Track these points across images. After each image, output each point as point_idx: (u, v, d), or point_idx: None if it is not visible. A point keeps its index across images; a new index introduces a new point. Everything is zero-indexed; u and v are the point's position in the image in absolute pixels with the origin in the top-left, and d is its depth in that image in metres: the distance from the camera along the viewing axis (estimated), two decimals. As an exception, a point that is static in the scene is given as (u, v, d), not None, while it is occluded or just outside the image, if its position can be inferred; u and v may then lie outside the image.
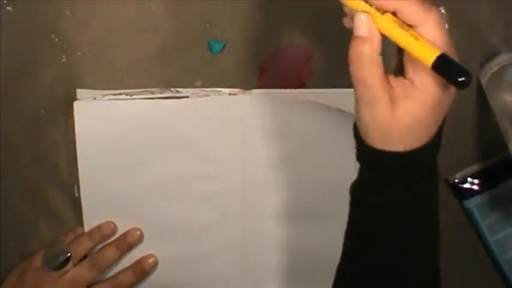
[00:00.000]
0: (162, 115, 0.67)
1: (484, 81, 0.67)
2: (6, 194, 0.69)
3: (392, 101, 0.48)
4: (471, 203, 0.71)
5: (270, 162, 0.69)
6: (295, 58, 0.67)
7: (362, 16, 0.48)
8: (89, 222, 0.69)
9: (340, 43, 0.66)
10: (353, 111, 0.68)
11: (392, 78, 0.49)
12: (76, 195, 0.69)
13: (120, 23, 0.65)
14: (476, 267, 0.74)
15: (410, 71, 0.48)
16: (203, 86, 0.67)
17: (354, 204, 0.54)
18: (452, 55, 0.47)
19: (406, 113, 0.48)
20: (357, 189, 0.54)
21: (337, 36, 0.66)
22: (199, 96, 0.67)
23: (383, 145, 0.49)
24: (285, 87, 0.68)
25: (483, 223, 0.71)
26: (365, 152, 0.51)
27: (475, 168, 0.70)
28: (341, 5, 0.66)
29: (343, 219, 0.72)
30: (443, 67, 0.46)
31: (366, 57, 0.48)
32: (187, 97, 0.67)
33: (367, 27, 0.48)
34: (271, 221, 0.71)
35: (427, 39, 0.46)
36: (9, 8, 0.64)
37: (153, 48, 0.66)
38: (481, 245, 0.73)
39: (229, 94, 0.67)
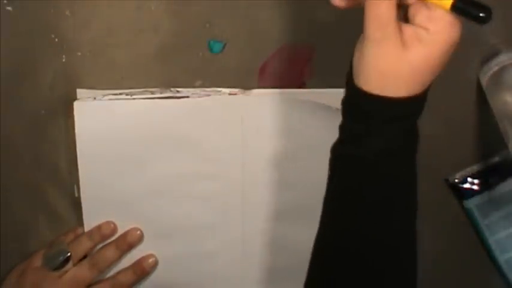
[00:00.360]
0: (162, 115, 0.67)
1: (484, 81, 0.67)
2: (6, 194, 0.69)
3: (404, 43, 0.48)
4: (471, 203, 0.71)
5: (269, 162, 0.69)
6: (295, 58, 0.67)
7: None
8: (89, 222, 0.69)
9: (340, 43, 0.67)
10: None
11: (403, 24, 0.49)
12: (76, 195, 0.69)
13: (120, 23, 0.65)
14: (476, 267, 0.74)
15: (423, 17, 0.48)
16: (203, 86, 0.67)
17: (338, 161, 0.54)
18: None
19: (416, 56, 0.48)
20: (343, 145, 0.53)
21: (337, 36, 0.66)
22: (199, 96, 0.67)
23: (381, 90, 0.49)
24: (285, 87, 0.68)
25: (483, 223, 0.71)
26: (357, 98, 0.50)
27: (475, 168, 0.70)
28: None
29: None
30: (463, 6, 0.47)
31: None
32: (187, 97, 0.67)
33: None
34: (271, 220, 0.71)
35: None
36: (9, 8, 0.64)
37: (153, 48, 0.66)
38: (481, 245, 0.73)
39: (229, 94, 0.67)
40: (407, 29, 0.48)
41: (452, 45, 0.49)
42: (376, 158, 0.51)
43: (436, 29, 0.48)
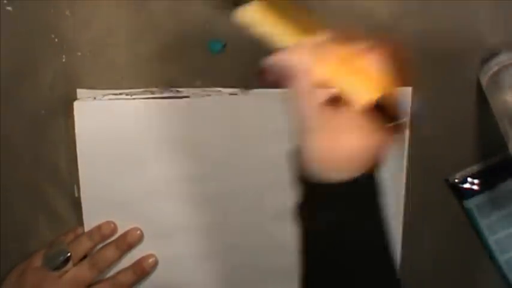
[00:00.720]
0: (162, 115, 0.67)
1: (484, 81, 0.66)
2: (6, 194, 0.69)
3: (335, 130, 0.50)
4: (471, 203, 0.71)
5: (270, 162, 0.69)
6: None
7: (299, 50, 0.51)
8: (89, 222, 0.69)
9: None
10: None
11: (332, 109, 0.51)
12: (76, 195, 0.69)
13: (120, 23, 0.65)
14: (476, 267, 0.74)
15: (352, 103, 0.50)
16: (203, 86, 0.67)
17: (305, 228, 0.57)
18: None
19: (347, 141, 0.50)
20: (302, 217, 0.56)
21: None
22: (199, 96, 0.67)
23: (326, 173, 0.51)
24: (285, 87, 0.68)
25: (483, 223, 0.71)
26: (306, 182, 0.53)
27: (475, 168, 0.70)
28: (337, 5, 0.66)
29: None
30: (383, 106, 0.49)
31: (306, 88, 0.51)
32: (187, 97, 0.67)
33: (307, 62, 0.51)
34: (271, 221, 0.71)
35: (372, 76, 0.49)
36: (9, 8, 0.64)
37: (153, 48, 0.66)
38: (481, 245, 0.73)
39: (230, 94, 0.67)
40: (339, 114, 0.50)
41: (379, 134, 0.51)
42: (329, 229, 0.54)
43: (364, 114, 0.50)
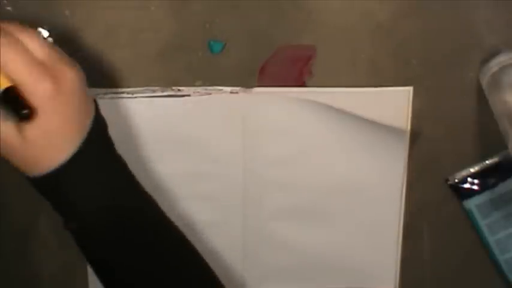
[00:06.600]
0: (163, 114, 0.67)
1: (484, 81, 0.67)
2: (6, 194, 0.69)
3: (17, 128, 0.51)
4: (471, 203, 0.71)
5: (270, 161, 0.69)
6: (295, 58, 0.67)
7: None
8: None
9: (340, 43, 0.67)
10: (353, 111, 0.69)
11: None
12: (76, 195, 0.69)
13: (120, 23, 0.65)
14: (476, 267, 0.74)
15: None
16: (203, 86, 0.67)
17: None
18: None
19: (31, 130, 0.51)
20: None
21: (337, 36, 0.66)
22: (200, 95, 0.67)
23: (39, 169, 0.53)
24: (285, 87, 0.68)
25: (483, 223, 0.71)
26: (39, 183, 0.54)
27: (475, 168, 0.70)
28: (337, 5, 0.66)
29: (343, 218, 0.72)
30: (8, 99, 0.50)
31: None
32: (188, 95, 0.67)
33: None
34: (272, 220, 0.71)
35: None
36: (9, 8, 0.64)
37: (153, 48, 0.66)
38: (481, 245, 0.73)
39: (231, 93, 0.67)
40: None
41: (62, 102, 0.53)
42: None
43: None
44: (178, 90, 0.67)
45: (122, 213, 0.56)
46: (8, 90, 0.50)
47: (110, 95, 0.66)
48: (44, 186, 0.54)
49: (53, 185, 0.54)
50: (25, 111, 0.50)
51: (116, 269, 0.57)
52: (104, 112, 0.66)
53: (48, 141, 0.52)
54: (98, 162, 0.55)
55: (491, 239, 0.72)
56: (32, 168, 0.53)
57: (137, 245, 0.57)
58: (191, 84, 0.67)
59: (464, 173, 0.70)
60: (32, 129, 0.51)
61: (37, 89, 0.51)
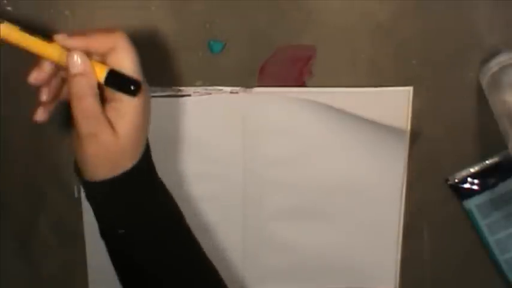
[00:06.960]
0: (164, 113, 0.67)
1: (484, 81, 0.67)
2: (6, 194, 0.69)
3: (112, 126, 0.53)
4: (471, 203, 0.71)
5: (270, 161, 0.69)
6: (295, 58, 0.67)
7: (75, 56, 0.52)
8: (90, 222, 0.69)
9: (340, 43, 0.67)
10: (353, 111, 0.69)
11: (104, 106, 0.54)
12: (76, 195, 0.69)
13: (120, 23, 0.65)
14: (476, 267, 0.74)
15: (113, 93, 0.54)
16: (203, 86, 0.67)
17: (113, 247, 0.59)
18: (138, 74, 0.54)
19: (124, 128, 0.53)
20: (110, 235, 0.58)
21: (337, 36, 0.66)
22: (200, 95, 0.67)
23: (115, 172, 0.54)
24: (285, 87, 0.68)
25: (483, 223, 0.71)
26: (97, 189, 0.55)
27: (475, 168, 0.70)
28: (337, 5, 0.66)
29: (343, 218, 0.72)
30: (114, 80, 0.53)
31: (85, 91, 0.53)
32: (188, 95, 0.67)
33: (82, 64, 0.53)
34: (272, 220, 0.71)
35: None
36: (9, 8, 0.64)
37: (153, 48, 0.66)
38: (481, 245, 0.73)
39: (231, 93, 0.67)
40: (109, 108, 0.54)
41: (144, 109, 0.55)
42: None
43: (125, 97, 0.53)
44: (179, 90, 0.67)
45: (161, 224, 0.59)
46: (110, 73, 0.53)
47: (109, 95, 0.66)
48: (109, 189, 0.55)
49: (117, 188, 0.55)
50: (135, 86, 0.53)
51: (144, 274, 0.59)
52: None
53: (137, 137, 0.55)
54: (149, 175, 0.59)
55: (491, 239, 0.72)
56: (117, 166, 0.54)
57: (167, 251, 0.59)
58: (191, 84, 0.67)
59: (464, 173, 0.70)
60: (125, 123, 0.53)
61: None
